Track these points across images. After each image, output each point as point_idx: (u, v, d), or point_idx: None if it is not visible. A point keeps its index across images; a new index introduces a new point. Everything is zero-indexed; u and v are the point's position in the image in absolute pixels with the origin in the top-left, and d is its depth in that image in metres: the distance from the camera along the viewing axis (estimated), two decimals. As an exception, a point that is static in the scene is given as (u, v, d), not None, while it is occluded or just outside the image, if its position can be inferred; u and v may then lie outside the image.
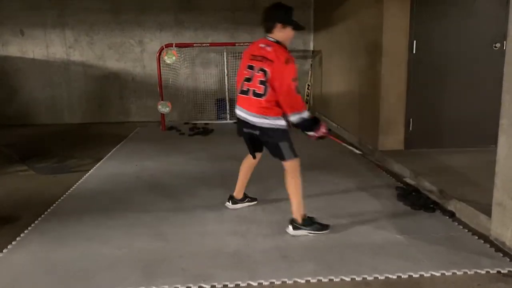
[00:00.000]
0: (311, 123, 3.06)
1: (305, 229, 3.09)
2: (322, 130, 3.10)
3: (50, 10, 8.23)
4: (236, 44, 7.86)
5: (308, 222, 3.12)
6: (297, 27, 3.10)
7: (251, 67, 3.06)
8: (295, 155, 3.10)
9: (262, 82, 2.98)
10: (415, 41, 4.87)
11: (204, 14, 8.44)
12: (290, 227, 3.11)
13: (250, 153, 3.47)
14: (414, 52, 4.89)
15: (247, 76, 3.09)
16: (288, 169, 3.11)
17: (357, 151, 3.86)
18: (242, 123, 3.21)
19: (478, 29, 4.88)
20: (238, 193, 3.64)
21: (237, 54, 8.35)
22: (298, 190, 3.10)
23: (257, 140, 3.26)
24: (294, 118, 3.00)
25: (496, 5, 4.79)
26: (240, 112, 3.19)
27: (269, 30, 3.06)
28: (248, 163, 3.57)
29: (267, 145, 3.24)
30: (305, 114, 3.00)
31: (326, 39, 7.69)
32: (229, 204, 3.63)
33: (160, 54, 7.51)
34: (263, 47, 3.03)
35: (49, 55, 8.42)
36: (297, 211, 3.11)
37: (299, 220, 3.10)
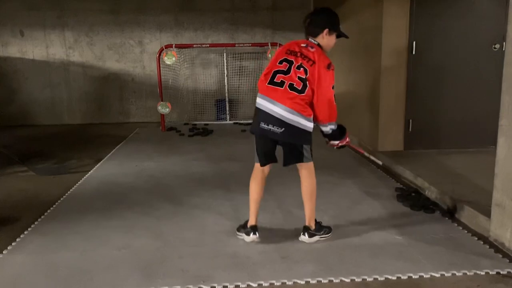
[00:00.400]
0: (339, 132, 2.98)
1: (318, 235, 2.99)
2: (347, 139, 3.05)
3: (50, 11, 8.25)
4: (236, 45, 7.87)
5: (318, 226, 3.03)
6: (341, 35, 2.98)
7: (288, 61, 2.80)
8: (312, 158, 2.99)
9: (301, 79, 2.74)
10: (414, 42, 4.88)
11: (204, 15, 8.45)
12: (306, 235, 2.96)
13: (261, 160, 2.94)
14: (413, 53, 4.90)
15: (282, 69, 2.79)
16: (307, 172, 2.99)
17: (379, 162, 3.81)
18: (264, 116, 2.78)
19: (478, 30, 4.89)
20: (257, 220, 3.03)
21: (237, 55, 8.38)
22: (315, 194, 3.01)
23: (271, 143, 2.89)
24: (328, 128, 2.90)
25: (495, 6, 4.80)
26: (266, 103, 2.78)
27: (314, 34, 2.88)
28: (258, 182, 3.01)
29: (285, 148, 2.91)
30: (336, 124, 2.94)
31: (326, 40, 7.70)
32: (255, 237, 2.94)
33: (160, 54, 7.52)
34: (305, 46, 2.83)
35: (49, 55, 8.43)
36: (312, 217, 2.99)
37: (313, 226, 2.99)
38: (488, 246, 2.89)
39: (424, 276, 2.52)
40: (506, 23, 2.81)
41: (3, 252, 2.92)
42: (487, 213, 3.03)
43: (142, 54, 8.55)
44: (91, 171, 4.95)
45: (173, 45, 7.58)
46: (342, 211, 3.58)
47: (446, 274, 2.53)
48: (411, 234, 3.09)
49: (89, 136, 7.28)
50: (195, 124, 8.08)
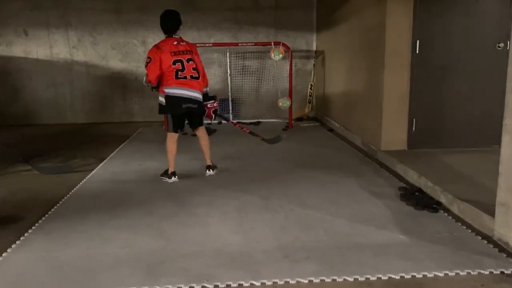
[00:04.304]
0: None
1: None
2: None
3: (54, 11, 8.27)
4: (239, 44, 7.86)
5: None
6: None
7: (178, 61, 4.13)
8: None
9: (194, 69, 4.21)
10: (418, 41, 4.86)
11: (207, 14, 8.45)
12: (211, 171, 4.62)
13: (182, 128, 4.45)
14: (417, 52, 4.88)
15: (178, 68, 4.12)
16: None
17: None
18: (183, 100, 4.17)
19: (482, 29, 4.86)
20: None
21: (240, 54, 8.37)
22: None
23: (187, 115, 4.34)
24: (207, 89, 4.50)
25: (499, 5, 4.77)
26: (183, 91, 4.16)
27: (176, 30, 4.24)
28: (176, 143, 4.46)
29: (196, 116, 4.43)
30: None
31: (329, 39, 7.68)
32: (176, 179, 4.41)
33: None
34: (177, 44, 4.19)
35: (53, 55, 8.46)
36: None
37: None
38: (492, 246, 2.87)
39: (428, 276, 2.51)
40: (510, 21, 2.80)
41: (7, 250, 2.93)
42: (491, 212, 3.02)
43: (146, 54, 8.51)
44: (94, 170, 4.97)
45: (176, 45, 7.57)
46: (345, 210, 3.57)
47: (449, 274, 2.53)
48: (414, 233, 3.08)
49: (92, 135, 7.30)
50: (198, 124, 8.07)
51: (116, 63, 8.56)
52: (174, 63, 4.11)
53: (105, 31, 8.42)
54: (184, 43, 4.24)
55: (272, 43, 7.60)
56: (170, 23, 4.23)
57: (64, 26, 8.35)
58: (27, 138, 7.14)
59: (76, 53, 8.48)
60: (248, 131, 4.97)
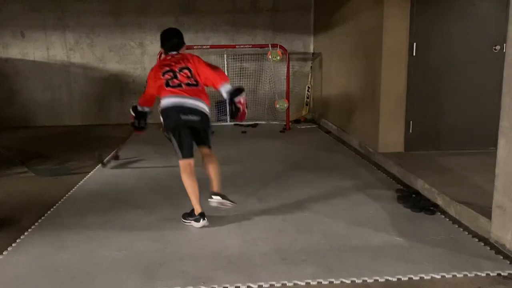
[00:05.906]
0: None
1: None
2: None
3: (51, 12, 8.26)
4: (237, 47, 7.87)
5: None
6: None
7: (168, 72, 3.44)
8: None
9: (190, 77, 3.47)
10: (415, 44, 4.87)
11: (205, 17, 8.45)
12: (219, 197, 3.37)
13: (191, 152, 3.57)
14: (414, 54, 4.89)
15: (168, 77, 3.43)
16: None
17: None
18: (181, 110, 3.38)
19: (478, 31, 4.88)
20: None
21: (237, 57, 8.38)
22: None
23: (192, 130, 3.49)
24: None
25: (495, 8, 4.80)
26: (179, 99, 3.40)
27: (178, 48, 3.60)
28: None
29: (200, 132, 3.53)
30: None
31: (326, 41, 7.70)
32: (205, 222, 3.35)
33: (160, 56, 7.51)
34: (170, 58, 3.55)
35: (50, 57, 8.44)
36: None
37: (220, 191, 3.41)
38: (489, 248, 2.88)
39: (425, 278, 2.52)
40: (507, 24, 2.81)
41: (3, 253, 2.92)
42: (488, 215, 3.03)
43: (143, 56, 8.55)
44: (91, 172, 4.95)
45: (174, 47, 7.57)
46: (342, 212, 3.57)
47: (446, 276, 2.53)
48: (411, 235, 3.08)
49: (89, 137, 7.29)
50: (196, 126, 8.06)
51: (113, 65, 8.55)
52: (163, 74, 3.43)
53: (102, 33, 8.41)
54: (178, 56, 3.56)
55: (270, 45, 7.61)
56: (175, 39, 3.61)
57: (61, 28, 8.34)
58: (24, 140, 7.12)
59: (73, 55, 8.46)
60: None
